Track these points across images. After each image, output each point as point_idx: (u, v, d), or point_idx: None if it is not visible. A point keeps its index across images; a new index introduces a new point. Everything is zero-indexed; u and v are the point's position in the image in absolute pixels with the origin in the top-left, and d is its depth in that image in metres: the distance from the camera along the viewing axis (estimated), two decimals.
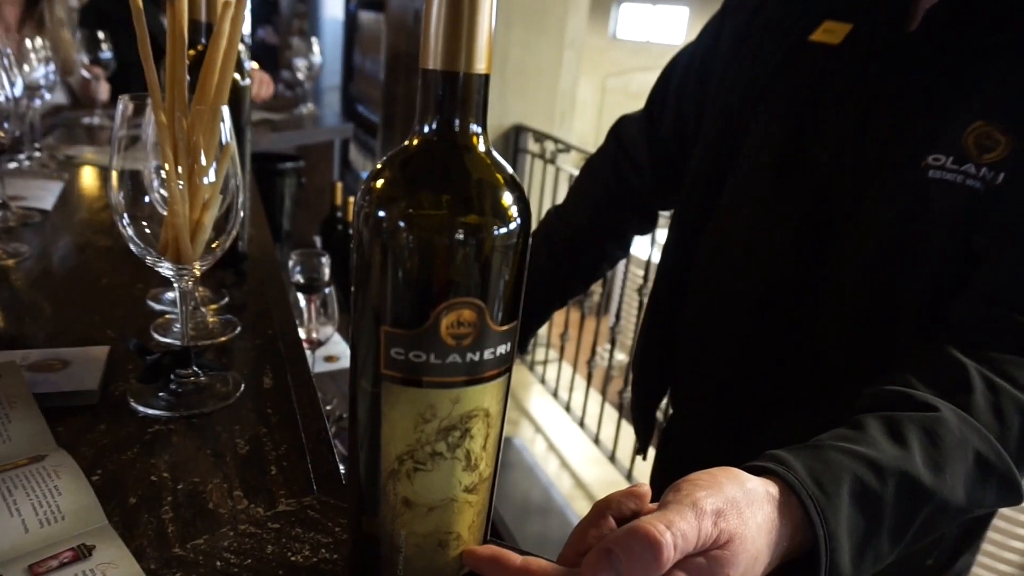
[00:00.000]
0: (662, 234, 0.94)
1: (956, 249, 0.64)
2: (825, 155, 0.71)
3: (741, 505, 0.43)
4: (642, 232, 1.02)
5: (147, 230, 0.63)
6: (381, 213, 0.37)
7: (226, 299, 0.88)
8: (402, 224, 0.37)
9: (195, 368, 0.68)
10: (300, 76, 2.86)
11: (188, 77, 0.63)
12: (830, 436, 0.52)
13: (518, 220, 0.38)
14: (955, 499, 0.52)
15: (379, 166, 0.39)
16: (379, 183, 0.38)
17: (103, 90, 2.07)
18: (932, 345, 0.62)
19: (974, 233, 0.63)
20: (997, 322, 0.61)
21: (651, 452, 1.02)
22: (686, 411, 0.91)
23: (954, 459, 0.52)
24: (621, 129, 0.99)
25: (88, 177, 1.44)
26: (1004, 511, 2.02)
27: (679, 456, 0.94)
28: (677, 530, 0.39)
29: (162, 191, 0.62)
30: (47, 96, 1.56)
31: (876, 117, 0.69)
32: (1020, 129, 0.62)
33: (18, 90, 0.98)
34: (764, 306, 0.76)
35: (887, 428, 0.53)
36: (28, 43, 1.47)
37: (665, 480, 0.45)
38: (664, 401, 0.96)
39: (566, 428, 2.89)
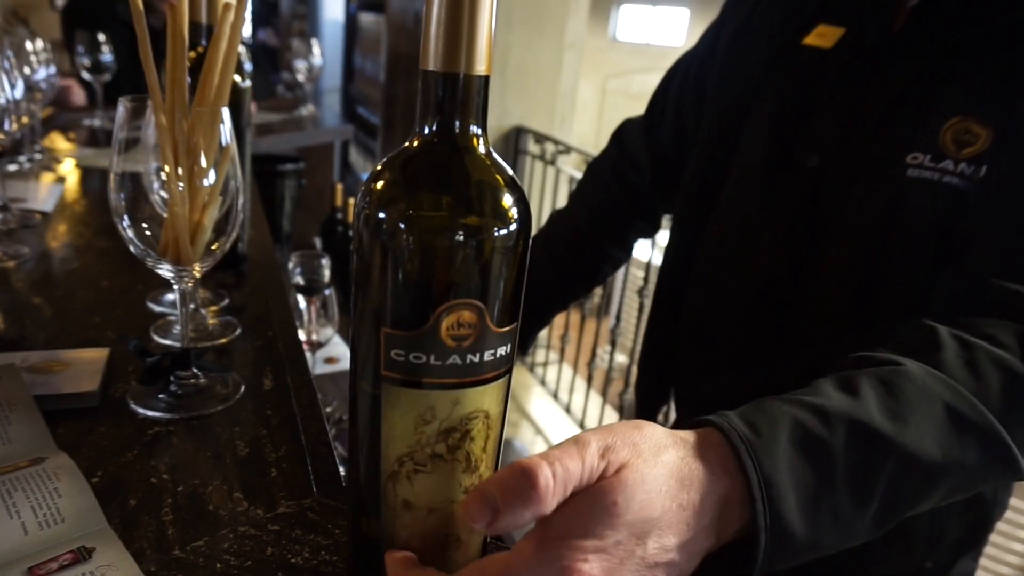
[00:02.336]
0: (663, 236, 0.94)
1: (935, 248, 0.64)
2: (814, 156, 0.72)
3: (638, 443, 0.40)
4: (644, 236, 1.03)
5: (147, 232, 0.63)
6: (381, 214, 0.37)
7: (226, 301, 0.88)
8: (402, 225, 0.37)
9: (195, 370, 0.68)
10: (300, 78, 2.86)
11: (188, 79, 0.63)
12: (778, 396, 0.48)
13: (518, 221, 0.38)
14: (926, 454, 0.46)
15: (379, 167, 0.39)
16: (379, 184, 0.38)
17: (78, 93, 2.06)
18: (904, 317, 0.59)
19: (955, 227, 0.62)
20: (980, 289, 0.58)
21: None
22: (688, 412, 0.91)
23: (918, 410, 0.47)
24: (623, 133, 1.00)
25: (88, 179, 1.44)
26: (1006, 512, 2.01)
27: None
28: (556, 460, 0.36)
29: (162, 193, 0.62)
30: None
31: (861, 118, 0.69)
32: (999, 119, 0.61)
33: (19, 92, 0.98)
34: (759, 305, 0.77)
35: (838, 381, 0.48)
36: (29, 45, 1.46)
37: None
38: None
39: (566, 430, 2.88)
